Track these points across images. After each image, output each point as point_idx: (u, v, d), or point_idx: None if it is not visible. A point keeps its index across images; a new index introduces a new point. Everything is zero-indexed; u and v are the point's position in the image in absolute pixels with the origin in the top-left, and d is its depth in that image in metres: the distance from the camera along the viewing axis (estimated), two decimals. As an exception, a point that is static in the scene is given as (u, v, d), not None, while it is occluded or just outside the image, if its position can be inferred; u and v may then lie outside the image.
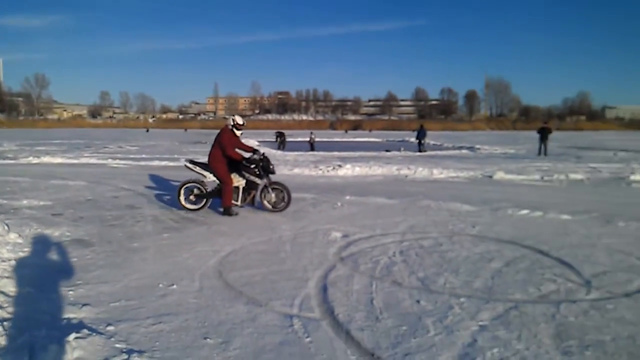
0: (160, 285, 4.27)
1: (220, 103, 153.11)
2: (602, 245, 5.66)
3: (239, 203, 7.78)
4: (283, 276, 4.55)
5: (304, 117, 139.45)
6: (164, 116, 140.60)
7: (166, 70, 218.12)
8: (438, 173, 14.00)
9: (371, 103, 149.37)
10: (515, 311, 3.69)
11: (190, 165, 8.10)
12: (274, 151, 26.04)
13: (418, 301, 3.90)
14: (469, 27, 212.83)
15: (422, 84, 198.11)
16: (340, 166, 15.16)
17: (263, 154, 7.96)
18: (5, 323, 3.21)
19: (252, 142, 34.81)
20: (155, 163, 17.55)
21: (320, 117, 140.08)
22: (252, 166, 7.78)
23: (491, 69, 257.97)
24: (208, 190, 7.82)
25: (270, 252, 5.45)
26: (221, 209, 7.69)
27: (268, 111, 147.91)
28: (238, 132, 7.82)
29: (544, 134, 23.40)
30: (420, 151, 26.13)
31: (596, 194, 10.23)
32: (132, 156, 21.02)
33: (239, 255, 5.30)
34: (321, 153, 24.44)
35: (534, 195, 9.95)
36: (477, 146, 30.58)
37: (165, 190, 10.21)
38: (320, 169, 14.84)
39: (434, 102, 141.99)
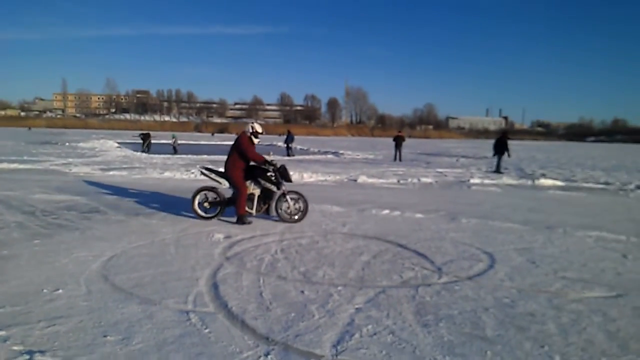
0: (45, 290, 4.17)
1: (69, 100, 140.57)
2: (449, 239, 6.70)
3: (253, 212, 7.55)
4: (172, 277, 4.70)
5: (167, 118, 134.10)
6: (3, 112, 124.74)
7: (4, 62, 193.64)
8: (308, 177, 14.79)
9: (237, 106, 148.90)
10: (383, 295, 4.34)
11: (206, 172, 7.92)
12: (138, 154, 24.92)
13: (302, 291, 4.37)
14: (330, 38, 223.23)
15: (287, 89, 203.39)
16: (212, 170, 15.17)
17: (279, 163, 7.79)
18: None
19: (110, 144, 32.79)
20: (4, 165, 15.82)
21: (184, 119, 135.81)
22: (270, 173, 7.53)
23: (351, 79, 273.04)
24: (223, 197, 7.62)
25: (154, 254, 5.51)
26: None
27: (126, 110, 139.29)
28: (256, 141, 7.58)
29: (398, 141, 25.75)
30: (288, 155, 26.95)
31: (443, 196, 11.75)
32: (-30, 157, 18.62)
33: (122, 259, 5.29)
34: (189, 156, 24.01)
35: (393, 197, 11.11)
36: (341, 151, 32.49)
37: (25, 195, 9.43)
38: (192, 173, 14.72)
39: (298, 108, 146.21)
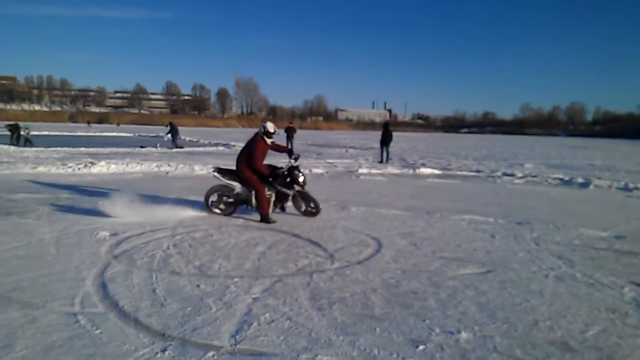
0: None
1: None
2: (340, 227, 7.00)
3: (270, 211, 7.40)
4: (55, 278, 4.39)
5: (37, 107, 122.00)
6: None
7: None
8: (199, 169, 14.43)
9: (118, 95, 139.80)
10: (279, 283, 4.45)
11: (218, 175, 7.58)
12: (6, 147, 22.47)
13: (198, 285, 4.34)
14: (219, 26, 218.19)
15: (174, 78, 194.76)
16: (92, 163, 14.22)
17: (292, 163, 7.69)
18: None
19: None
20: None
21: (57, 108, 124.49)
22: (285, 176, 7.51)
23: (242, 69, 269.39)
24: (239, 196, 7.51)
25: (33, 256, 5.08)
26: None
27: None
28: (269, 140, 7.43)
29: (290, 132, 26.04)
30: (176, 147, 25.89)
31: (334, 186, 12.17)
32: None
33: (-7, 263, 4.82)
34: (65, 149, 22.13)
35: (285, 188, 11.26)
36: (232, 143, 31.99)
37: None
38: (70, 167, 13.65)
39: (186, 98, 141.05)
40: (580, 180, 13.84)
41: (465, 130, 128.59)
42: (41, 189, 9.81)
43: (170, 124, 27.75)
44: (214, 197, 7.72)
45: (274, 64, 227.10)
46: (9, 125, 26.97)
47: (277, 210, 7.62)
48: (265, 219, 7.19)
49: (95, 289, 4.17)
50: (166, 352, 3.03)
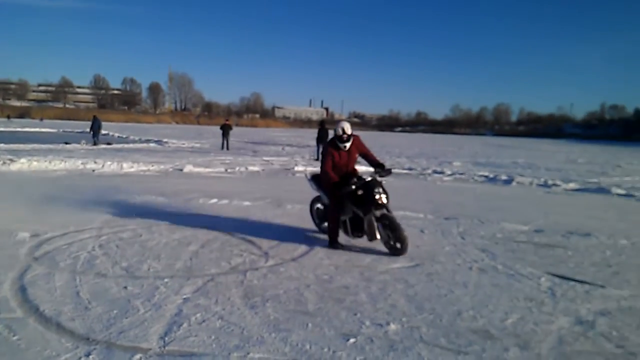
0: None
1: None
2: (275, 224, 7.00)
3: (350, 237, 5.91)
4: (-34, 283, 4.09)
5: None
6: None
7: None
8: (128, 167, 13.90)
9: (41, 88, 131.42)
10: (211, 283, 4.39)
11: (309, 183, 6.65)
12: None
13: (125, 287, 4.19)
14: (150, 18, 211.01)
15: (102, 71, 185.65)
16: (12, 160, 13.32)
17: (374, 176, 5.74)
18: None
19: None
20: None
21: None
22: (357, 193, 5.59)
23: (175, 63, 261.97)
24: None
25: (-61, 260, 4.71)
26: None
27: None
28: (343, 145, 5.72)
29: (225, 129, 25.65)
30: (95, 144, 24.43)
31: (270, 183, 12.14)
32: None
33: None
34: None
35: (221, 186, 11.12)
36: (165, 140, 31.08)
37: None
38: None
39: (116, 92, 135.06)
40: (504, 177, 14.63)
41: (400, 129, 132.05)
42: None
43: (95, 117, 26.22)
44: (318, 205, 6.66)
45: (209, 59, 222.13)
46: None
47: (353, 236, 5.87)
48: (329, 243, 5.87)
49: (14, 293, 3.93)
50: (90, 357, 2.91)
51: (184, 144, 29.03)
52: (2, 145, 21.06)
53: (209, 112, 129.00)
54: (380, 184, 5.58)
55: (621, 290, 4.53)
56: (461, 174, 15.71)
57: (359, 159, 6.06)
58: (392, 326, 3.53)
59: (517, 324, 3.67)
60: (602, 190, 12.24)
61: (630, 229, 7.35)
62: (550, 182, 13.72)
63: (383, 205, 5.48)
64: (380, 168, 5.88)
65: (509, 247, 6.07)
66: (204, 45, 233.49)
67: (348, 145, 5.73)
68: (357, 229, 5.73)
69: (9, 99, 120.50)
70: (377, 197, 5.41)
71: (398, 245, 5.45)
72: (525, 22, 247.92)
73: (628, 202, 10.63)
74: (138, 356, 2.95)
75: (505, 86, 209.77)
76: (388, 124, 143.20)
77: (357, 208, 5.58)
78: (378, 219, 5.49)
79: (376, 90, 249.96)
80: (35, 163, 13.32)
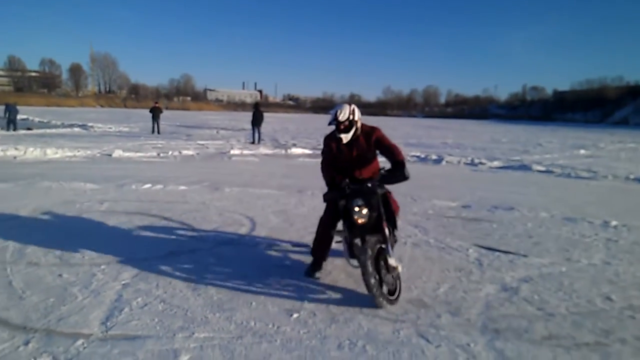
0: None
1: None
2: (214, 207, 6.95)
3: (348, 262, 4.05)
4: None
5: None
6: None
7: None
8: (52, 153, 13.18)
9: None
10: (151, 268, 4.34)
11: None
12: None
13: (60, 275, 4.06)
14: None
15: (17, 52, 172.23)
16: None
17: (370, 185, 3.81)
18: None
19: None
20: None
21: None
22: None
23: (97, 43, 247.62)
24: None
25: None
26: None
27: None
28: (344, 136, 4.05)
29: (155, 113, 24.71)
30: (11, 130, 22.78)
31: (205, 167, 11.95)
32: None
33: None
34: None
35: (154, 171, 10.82)
36: (90, 124, 29.54)
37: None
38: None
39: (33, 74, 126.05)
40: (434, 157, 15.27)
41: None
42: None
43: (7, 104, 24.28)
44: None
45: (133, 38, 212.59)
46: None
47: (350, 262, 4.00)
48: (308, 267, 4.34)
49: None
50: (29, 345, 2.83)
51: (111, 128, 27.73)
52: None
53: (136, 94, 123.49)
54: (368, 194, 3.74)
55: (542, 258, 4.93)
56: (394, 154, 16.19)
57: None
58: (333, 300, 3.68)
59: (448, 293, 3.93)
60: (524, 168, 13.12)
61: (550, 203, 7.96)
62: (476, 160, 14.48)
63: (365, 228, 3.74)
64: (393, 169, 3.98)
65: (439, 223, 6.41)
66: (128, 23, 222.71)
67: (347, 136, 4.07)
68: (353, 254, 3.91)
69: None
70: (354, 215, 3.73)
71: (392, 286, 3.76)
72: (453, 6, 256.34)
73: (548, 178, 11.47)
74: (80, 342, 2.91)
75: (434, 69, 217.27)
76: (322, 106, 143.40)
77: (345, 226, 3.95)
78: (359, 244, 3.74)
79: (310, 72, 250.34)
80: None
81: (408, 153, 16.41)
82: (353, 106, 4.14)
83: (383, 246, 3.73)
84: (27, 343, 2.85)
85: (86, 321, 3.18)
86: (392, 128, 41.86)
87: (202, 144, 18.24)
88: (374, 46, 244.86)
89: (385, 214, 3.80)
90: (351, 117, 4.06)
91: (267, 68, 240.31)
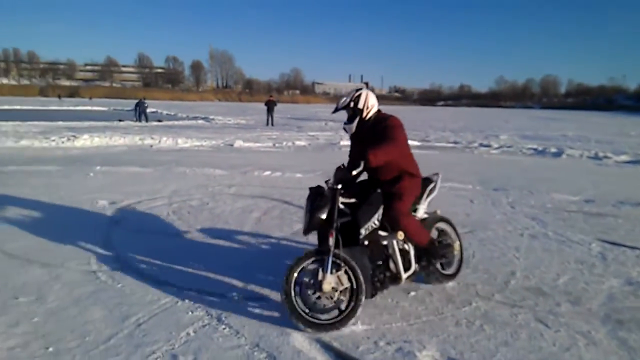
0: None
1: None
2: (329, 194, 7.34)
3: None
4: (73, 243, 4.63)
5: (5, 81, 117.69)
6: None
7: None
8: (183, 142, 14.56)
9: (88, 68, 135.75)
10: (285, 244, 4.81)
11: None
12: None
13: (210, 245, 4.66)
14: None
15: (146, 50, 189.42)
16: (75, 137, 14.19)
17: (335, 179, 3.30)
18: None
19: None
20: None
21: (25, 82, 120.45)
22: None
23: (216, 41, 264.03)
24: None
25: (35, 225, 5.31)
26: None
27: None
28: (347, 126, 3.70)
29: (270, 106, 26.10)
30: (143, 121, 25.51)
31: (317, 157, 12.50)
32: None
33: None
34: (44, 123, 21.82)
35: (271, 160, 11.56)
36: (211, 117, 31.90)
37: None
38: (53, 140, 13.63)
39: (159, 70, 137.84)
40: (553, 150, 14.45)
41: (442, 103, 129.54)
42: (30, 162, 9.90)
43: (140, 100, 27.13)
44: None
45: (249, 35, 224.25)
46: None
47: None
48: None
49: (107, 251, 4.46)
50: (185, 301, 3.36)
51: (230, 120, 29.72)
52: (61, 122, 22.29)
53: (250, 89, 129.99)
54: (330, 194, 3.25)
55: (673, 255, 4.64)
56: (509, 147, 15.60)
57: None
58: (449, 283, 3.83)
59: (569, 284, 3.90)
60: (656, 163, 11.99)
61: (685, 200, 7.30)
62: (601, 154, 13.48)
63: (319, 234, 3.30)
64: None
65: (559, 216, 6.20)
66: (244, 22, 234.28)
67: (350, 127, 3.64)
68: None
69: (59, 79, 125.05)
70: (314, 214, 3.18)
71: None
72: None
73: (684, 174, 10.41)
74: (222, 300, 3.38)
75: (553, 57, 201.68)
76: (429, 98, 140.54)
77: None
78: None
79: (417, 63, 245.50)
80: (97, 139, 14.14)
81: (524, 146, 15.70)
82: (361, 91, 3.63)
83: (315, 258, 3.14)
84: (184, 299, 3.40)
85: (225, 287, 3.68)
86: (505, 119, 39.89)
87: (313, 135, 18.94)
88: (487, 33, 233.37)
89: (385, 216, 3.35)
90: (352, 104, 3.55)
91: (373, 60, 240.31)
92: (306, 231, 3.25)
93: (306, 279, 3.10)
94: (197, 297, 3.43)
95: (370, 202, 3.33)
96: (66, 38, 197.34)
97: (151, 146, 13.87)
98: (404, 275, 3.43)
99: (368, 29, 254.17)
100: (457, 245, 3.96)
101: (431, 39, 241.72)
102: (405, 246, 3.52)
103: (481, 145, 16.24)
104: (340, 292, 3.06)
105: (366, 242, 3.29)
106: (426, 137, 19.34)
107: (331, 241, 3.07)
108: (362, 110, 3.56)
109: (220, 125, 25.53)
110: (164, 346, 2.77)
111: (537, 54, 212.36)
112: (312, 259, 3.14)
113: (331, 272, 3.04)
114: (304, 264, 3.12)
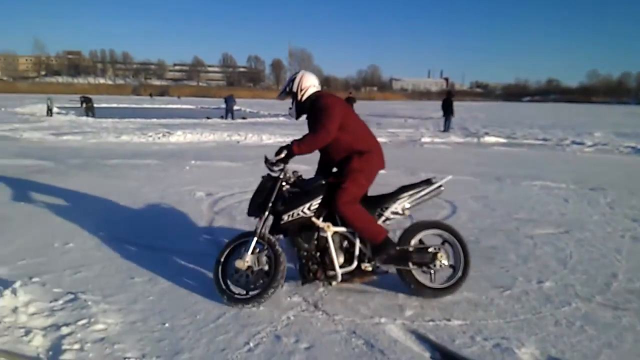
0: (56, 244, 4.43)
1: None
2: (413, 190, 7.34)
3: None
4: (179, 229, 5.04)
5: (102, 81, 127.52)
6: None
7: None
8: (267, 138, 15.10)
9: (177, 67, 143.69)
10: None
11: None
12: (84, 119, 24.10)
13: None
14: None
15: (230, 49, 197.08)
16: (170, 133, 15.16)
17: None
18: None
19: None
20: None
21: (120, 81, 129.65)
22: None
23: (295, 39, 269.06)
24: None
25: (141, 212, 5.80)
26: None
27: (57, 73, 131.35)
28: (290, 111, 3.82)
29: (349, 103, 26.25)
30: (229, 118, 26.64)
31: (398, 153, 12.44)
32: None
33: (124, 216, 5.56)
34: (140, 120, 23.48)
35: (353, 156, 11.66)
36: (291, 114, 32.60)
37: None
38: (150, 136, 14.66)
39: (242, 69, 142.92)
40: (655, 148, 13.39)
41: (528, 98, 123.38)
42: (131, 155, 10.73)
43: (228, 96, 28.28)
44: None
45: (327, 32, 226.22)
46: (84, 97, 28.61)
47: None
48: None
49: (211, 237, 4.79)
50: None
51: (309, 117, 30.18)
52: (154, 120, 23.84)
53: (327, 86, 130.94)
54: (266, 181, 3.60)
55: None
56: (604, 144, 14.66)
57: None
58: (546, 283, 3.74)
59: (681, 290, 3.66)
60: None
61: None
62: None
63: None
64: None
65: (666, 218, 5.79)
66: (322, 20, 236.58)
67: (292, 112, 3.79)
68: None
69: (150, 79, 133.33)
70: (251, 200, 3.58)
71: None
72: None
73: None
74: (321, 289, 3.53)
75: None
76: (514, 93, 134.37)
77: None
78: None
79: (500, 57, 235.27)
80: (189, 135, 15.01)
81: (621, 144, 14.66)
82: (296, 74, 3.63)
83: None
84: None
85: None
86: (597, 116, 37.36)
87: (393, 132, 18.86)
88: (576, 25, 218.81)
89: (328, 206, 3.43)
90: (288, 89, 3.57)
91: (454, 55, 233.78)
92: (248, 214, 3.54)
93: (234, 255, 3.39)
94: (293, 285, 3.60)
95: (307, 191, 3.46)
96: (157, 39, 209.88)
97: (238, 142, 14.50)
98: (339, 271, 3.38)
99: (449, 22, 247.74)
100: (443, 255, 3.44)
101: (516, 31, 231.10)
102: (353, 240, 3.47)
103: (573, 142, 15.37)
104: (256, 272, 3.30)
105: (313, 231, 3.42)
106: (512, 133, 18.60)
107: (259, 224, 3.34)
108: (296, 94, 3.55)
109: (301, 122, 25.90)
110: (268, 327, 2.97)
111: (634, 46, 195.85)
112: (244, 239, 3.41)
113: (252, 253, 3.29)
114: (237, 242, 3.43)
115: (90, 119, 23.84)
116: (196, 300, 3.33)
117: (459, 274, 3.48)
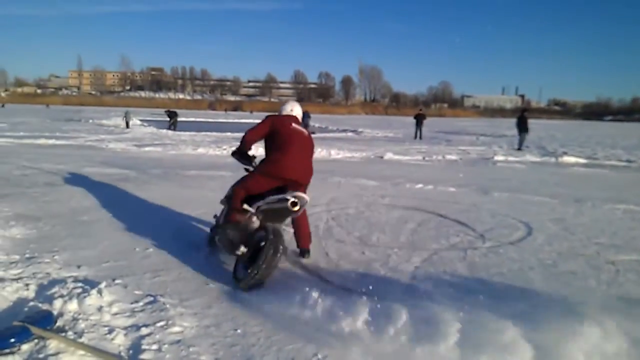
0: (137, 249, 4.72)
1: (85, 77, 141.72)
2: (485, 210, 7.13)
3: None
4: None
5: (181, 96, 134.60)
6: (19, 90, 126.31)
7: (20, 39, 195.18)
8: (335, 153, 15.24)
9: (251, 84, 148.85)
10: (436, 256, 4.83)
11: None
12: (164, 131, 25.51)
13: (363, 252, 4.88)
14: (344, 13, 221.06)
15: (301, 67, 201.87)
16: (242, 146, 15.68)
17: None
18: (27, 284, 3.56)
19: (133, 121, 32.90)
20: (43, 141, 16.49)
21: (198, 97, 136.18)
22: None
23: (365, 56, 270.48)
24: None
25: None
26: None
27: (140, 88, 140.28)
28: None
29: (419, 119, 26.02)
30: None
31: (470, 172, 12.15)
32: (8, 134, 19.27)
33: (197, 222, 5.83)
34: (215, 133, 24.52)
35: (421, 173, 11.54)
36: (360, 129, 32.78)
37: (76, 168, 10.03)
38: (225, 149, 15.26)
39: (312, 86, 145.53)
40: None
41: (610, 117, 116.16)
42: (207, 167, 11.23)
43: (305, 112, 28.99)
44: None
45: (397, 49, 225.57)
46: (170, 111, 30.30)
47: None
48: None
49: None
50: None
51: (378, 133, 30.27)
52: (229, 133, 24.79)
53: (396, 102, 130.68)
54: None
55: None
56: (700, 167, 13.51)
57: None
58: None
59: None
60: None
61: None
62: None
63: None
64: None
65: None
66: (393, 36, 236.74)
67: None
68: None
69: (225, 94, 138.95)
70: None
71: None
72: None
73: None
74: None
75: None
76: (595, 112, 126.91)
77: None
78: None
79: (581, 74, 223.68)
80: (261, 149, 15.40)
81: None
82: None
83: None
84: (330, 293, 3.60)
85: (387, 290, 3.81)
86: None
87: (464, 150, 18.43)
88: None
89: None
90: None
91: (530, 71, 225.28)
92: None
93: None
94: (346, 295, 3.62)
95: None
96: (233, 57, 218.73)
97: (307, 156, 14.73)
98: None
99: (525, 36, 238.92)
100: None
101: (599, 46, 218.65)
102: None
103: (662, 164, 14.30)
104: None
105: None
106: (593, 154, 17.58)
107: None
108: None
109: (369, 137, 26.14)
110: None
111: None
112: None
113: None
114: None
115: (170, 132, 25.21)
116: (267, 308, 3.43)
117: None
